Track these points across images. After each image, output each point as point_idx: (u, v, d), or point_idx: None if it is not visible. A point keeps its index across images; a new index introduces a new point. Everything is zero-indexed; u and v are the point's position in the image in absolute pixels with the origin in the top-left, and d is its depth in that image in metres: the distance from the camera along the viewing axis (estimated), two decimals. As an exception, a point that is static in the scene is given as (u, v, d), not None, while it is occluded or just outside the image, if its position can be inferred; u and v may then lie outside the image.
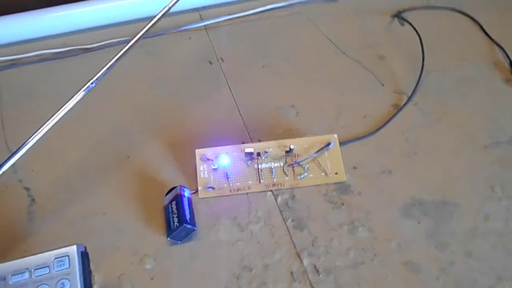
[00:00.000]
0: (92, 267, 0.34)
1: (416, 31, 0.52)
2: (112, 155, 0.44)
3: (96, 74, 0.40)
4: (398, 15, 0.56)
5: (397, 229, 0.38)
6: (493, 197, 0.40)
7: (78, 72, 0.50)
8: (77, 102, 0.38)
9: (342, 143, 0.44)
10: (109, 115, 0.48)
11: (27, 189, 0.42)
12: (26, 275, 0.29)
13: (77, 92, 0.39)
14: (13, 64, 0.53)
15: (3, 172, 0.36)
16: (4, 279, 0.29)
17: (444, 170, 0.42)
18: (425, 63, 0.50)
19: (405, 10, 0.57)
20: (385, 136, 0.45)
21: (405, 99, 0.48)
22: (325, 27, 0.56)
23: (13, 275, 0.29)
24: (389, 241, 0.38)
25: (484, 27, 0.55)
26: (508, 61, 0.51)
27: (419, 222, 0.39)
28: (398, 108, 0.47)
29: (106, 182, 0.42)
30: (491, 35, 0.54)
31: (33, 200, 0.41)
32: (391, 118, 0.46)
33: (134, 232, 0.39)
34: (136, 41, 0.42)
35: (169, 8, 0.43)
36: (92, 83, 0.39)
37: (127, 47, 0.40)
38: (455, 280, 0.35)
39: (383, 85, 0.50)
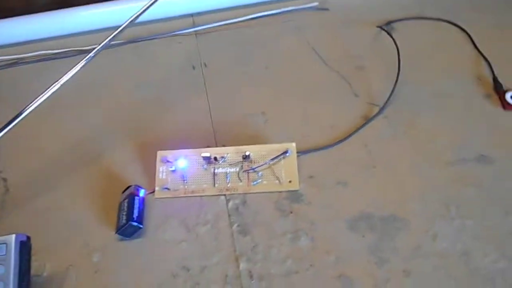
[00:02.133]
0: (43, 257, 0.37)
1: (395, 42, 0.52)
2: (85, 153, 0.47)
3: (61, 77, 0.42)
4: (384, 26, 0.55)
5: (339, 241, 0.38)
6: (446, 217, 0.39)
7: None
8: (44, 100, 0.41)
9: (302, 152, 0.44)
10: (91, 114, 0.50)
11: (4, 179, 0.46)
12: (-34, 257, 0.32)
13: (43, 93, 0.41)
14: (13, 63, 0.57)
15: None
16: None
17: (400, 185, 0.41)
18: (401, 75, 0.49)
19: (396, 20, 0.56)
20: (349, 147, 0.45)
21: (376, 111, 0.47)
22: (311, 36, 0.56)
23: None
24: (328, 253, 0.37)
25: (474, 40, 0.53)
26: (492, 76, 0.49)
27: (363, 236, 0.38)
28: (366, 120, 0.47)
29: (73, 178, 0.45)
30: (480, 48, 0.52)
31: (7, 190, 0.45)
32: (357, 130, 0.46)
33: (89, 226, 0.41)
34: (99, 49, 0.44)
35: (137, 16, 0.45)
36: (55, 85, 0.42)
37: (91, 54, 0.43)
38: (384, 298, 0.35)
39: (357, 95, 0.50)
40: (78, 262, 0.39)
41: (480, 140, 0.44)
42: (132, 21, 0.44)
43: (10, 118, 0.44)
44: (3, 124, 0.40)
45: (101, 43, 0.45)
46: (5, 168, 0.47)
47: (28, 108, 0.41)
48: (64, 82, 0.42)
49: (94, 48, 0.57)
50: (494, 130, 0.45)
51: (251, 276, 0.37)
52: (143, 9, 0.45)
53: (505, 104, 0.46)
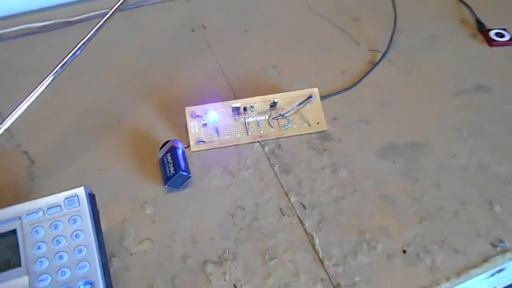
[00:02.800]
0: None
1: (389, -9, 0.56)
2: (103, 119, 0.46)
3: (80, 41, 0.42)
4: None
5: (374, 168, 0.42)
6: (460, 138, 0.44)
7: (62, 45, 0.52)
8: (62, 70, 0.40)
9: (322, 97, 0.47)
10: (98, 82, 0.50)
11: (25, 152, 0.45)
12: (40, 214, 0.32)
13: (63, 59, 0.41)
14: (-2, 39, 0.54)
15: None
16: (20, 218, 0.32)
17: (415, 116, 0.46)
18: (397, 22, 0.54)
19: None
20: (362, 89, 0.49)
21: (379, 56, 0.52)
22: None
23: (27, 214, 0.32)
24: (366, 178, 0.41)
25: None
26: (474, 18, 0.55)
27: (394, 162, 0.43)
28: (374, 64, 0.51)
29: (100, 142, 0.45)
30: (459, -6, 0.58)
31: (32, 161, 0.44)
32: (367, 73, 0.50)
33: (132, 183, 0.42)
34: (113, 12, 0.44)
35: None
36: (76, 51, 0.41)
37: (106, 17, 0.43)
38: (425, 207, 0.39)
39: (358, 44, 0.53)
40: (132, 216, 0.40)
41: (475, 73, 0.50)
42: None
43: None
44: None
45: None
46: (23, 141, 0.45)
47: (45, 83, 0.40)
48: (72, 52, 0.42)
49: (81, 19, 0.56)
50: (485, 64, 0.51)
51: (303, 206, 0.40)
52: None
53: (490, 42, 0.52)
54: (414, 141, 0.44)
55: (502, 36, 0.52)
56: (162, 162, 0.42)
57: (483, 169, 0.42)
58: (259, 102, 0.46)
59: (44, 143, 0.45)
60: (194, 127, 0.45)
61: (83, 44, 0.42)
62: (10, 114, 0.38)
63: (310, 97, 0.46)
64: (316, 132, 0.45)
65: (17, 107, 0.39)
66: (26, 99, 0.39)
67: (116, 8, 0.44)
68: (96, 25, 0.43)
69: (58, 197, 0.32)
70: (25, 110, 0.39)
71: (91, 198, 0.34)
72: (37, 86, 0.40)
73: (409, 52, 0.52)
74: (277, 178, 0.42)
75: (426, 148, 0.44)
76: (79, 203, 0.32)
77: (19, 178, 0.43)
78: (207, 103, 0.46)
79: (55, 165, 0.44)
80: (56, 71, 0.40)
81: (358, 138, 0.45)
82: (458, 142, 0.44)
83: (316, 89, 0.47)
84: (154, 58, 0.52)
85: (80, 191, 0.33)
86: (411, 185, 0.41)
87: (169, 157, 0.41)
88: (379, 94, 0.48)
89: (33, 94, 0.39)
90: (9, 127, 0.39)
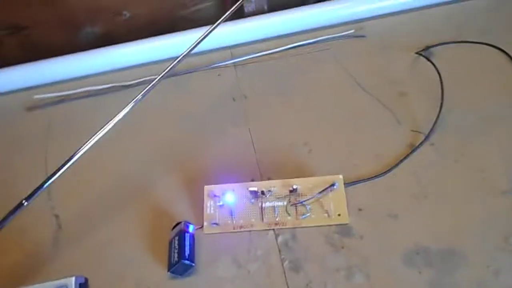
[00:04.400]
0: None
1: (436, 67, 0.51)
2: (131, 188, 0.48)
3: (119, 112, 0.44)
4: (422, 52, 0.55)
5: (395, 278, 0.37)
6: (506, 249, 0.37)
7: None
8: (105, 137, 0.42)
9: (349, 183, 0.44)
10: (135, 149, 0.51)
11: (56, 216, 0.47)
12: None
13: (99, 131, 0.43)
14: (62, 100, 0.59)
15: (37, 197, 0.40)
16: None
17: (454, 216, 0.40)
18: (445, 100, 0.49)
19: (434, 45, 0.56)
20: (396, 177, 0.44)
21: (422, 138, 0.47)
22: (349, 64, 0.56)
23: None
24: (385, 290, 0.37)
25: (516, 61, 0.52)
26: (541, 97, 0.48)
27: (420, 272, 0.37)
28: (413, 148, 0.46)
29: (121, 214, 0.46)
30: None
31: (60, 227, 0.46)
32: (404, 159, 0.45)
33: (141, 264, 0.41)
34: (160, 78, 0.45)
35: (192, 48, 0.46)
36: (111, 122, 0.43)
37: (151, 84, 0.44)
38: None
39: (400, 123, 0.49)
40: (132, 301, 0.39)
41: (534, 166, 0.42)
42: (186, 54, 0.45)
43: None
44: (58, 165, 0.41)
45: (149, 79, 0.46)
46: (57, 205, 0.48)
47: (82, 150, 0.42)
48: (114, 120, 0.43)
49: (137, 83, 0.59)
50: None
51: (307, 315, 0.36)
52: (197, 41, 0.46)
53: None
54: (449, 247, 0.38)
55: None
56: (170, 246, 0.41)
57: (532, 293, 0.35)
58: (279, 186, 0.44)
59: (75, 209, 0.47)
60: (210, 208, 0.44)
61: (128, 109, 0.43)
62: (52, 175, 0.40)
63: (333, 184, 0.43)
64: (337, 225, 0.41)
65: (59, 168, 0.41)
66: (67, 162, 0.41)
67: (164, 74, 0.45)
68: (142, 91, 0.44)
69: (49, 286, 0.33)
70: (63, 173, 0.41)
71: (82, 287, 0.33)
72: (77, 150, 0.42)
73: (456, 136, 0.46)
74: (285, 276, 0.39)
75: (462, 258, 0.38)
76: (68, 293, 0.32)
77: (45, 243, 0.45)
78: (230, 179, 0.45)
79: (79, 234, 0.45)
80: (92, 141, 0.42)
81: (383, 237, 0.40)
82: (504, 255, 0.37)
83: (340, 176, 0.43)
84: (191, 126, 0.53)
85: (70, 282, 0.33)
86: (437, 305, 0.35)
87: (176, 241, 0.41)
88: (414, 185, 0.43)
89: (73, 158, 0.41)
90: (49, 188, 0.40)
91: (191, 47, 0.48)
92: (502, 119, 0.47)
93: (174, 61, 0.46)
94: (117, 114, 0.43)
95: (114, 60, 0.61)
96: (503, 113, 0.48)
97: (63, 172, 0.41)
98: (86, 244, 0.44)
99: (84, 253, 0.43)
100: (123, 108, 0.44)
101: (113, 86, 0.59)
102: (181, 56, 0.46)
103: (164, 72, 0.46)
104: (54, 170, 0.48)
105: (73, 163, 0.41)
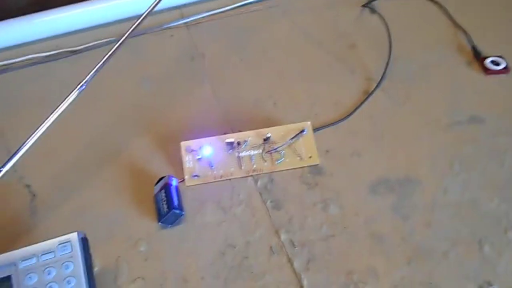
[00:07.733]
0: (91, 252, 0.39)
1: (384, 20, 0.56)
2: (103, 151, 0.48)
3: (86, 76, 0.43)
4: (367, 5, 0.59)
5: (364, 205, 0.43)
6: (452, 173, 0.44)
7: (68, 74, 0.54)
8: (69, 104, 0.42)
9: (316, 129, 0.48)
10: (99, 114, 0.51)
11: (27, 186, 0.46)
12: (34, 260, 0.33)
13: (69, 95, 0.42)
14: (4, 69, 0.56)
15: (4, 173, 0.39)
16: (15, 265, 0.33)
17: (408, 150, 0.46)
18: (392, 50, 0.54)
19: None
20: (356, 121, 0.49)
21: (374, 85, 0.52)
22: (299, 20, 0.59)
23: (22, 260, 0.33)
24: (357, 215, 0.42)
25: (451, 13, 0.58)
26: (471, 45, 0.55)
27: (384, 198, 0.43)
28: (367, 94, 0.51)
29: (99, 176, 0.46)
30: (456, 20, 0.57)
31: (34, 195, 0.45)
32: (360, 105, 0.50)
33: (128, 220, 0.43)
34: (122, 41, 0.45)
35: (153, 7, 0.46)
36: (82, 85, 0.43)
37: (114, 48, 0.44)
38: (414, 246, 0.40)
39: (353, 73, 0.54)
40: (126, 254, 0.41)
41: (469, 103, 0.50)
42: (151, 10, 0.45)
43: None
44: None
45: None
46: (26, 174, 0.47)
47: (51, 118, 0.41)
48: (70, 83, 0.43)
49: (86, 48, 0.57)
50: (479, 94, 0.51)
51: (293, 244, 0.40)
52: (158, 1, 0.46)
53: (485, 70, 0.52)
54: (406, 176, 0.45)
55: (497, 64, 0.52)
56: (157, 199, 0.43)
57: (474, 205, 0.42)
58: (252, 136, 0.47)
59: (46, 177, 0.47)
60: (189, 162, 0.46)
61: (87, 80, 0.43)
62: (17, 150, 0.39)
63: (302, 131, 0.47)
64: (309, 166, 0.46)
65: (24, 143, 0.40)
66: (32, 135, 0.40)
67: (122, 41, 0.45)
68: (101, 60, 0.43)
69: (52, 243, 0.34)
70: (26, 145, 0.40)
71: (84, 242, 0.35)
72: (42, 123, 0.41)
73: (403, 81, 0.52)
74: (269, 214, 0.43)
75: (418, 183, 0.44)
76: (71, 248, 0.33)
77: (21, 212, 0.44)
78: (203, 137, 0.47)
79: (56, 200, 0.45)
80: (62, 107, 0.41)
81: (350, 173, 0.45)
82: (450, 177, 0.44)
83: (308, 123, 0.47)
84: (152, 89, 0.53)
85: (73, 237, 0.34)
86: (401, 223, 0.41)
87: (163, 194, 0.42)
88: (371, 126, 0.49)
89: (39, 130, 0.40)
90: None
91: (152, 6, 0.47)
92: (438, 66, 0.54)
93: (135, 22, 0.45)
94: (79, 83, 0.42)
95: (59, 24, 0.58)
96: (438, 61, 0.54)
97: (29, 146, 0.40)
98: (67, 209, 0.44)
99: (67, 218, 0.43)
100: (86, 77, 0.43)
101: (60, 52, 0.57)
102: (143, 16, 0.46)
103: (124, 37, 0.45)
104: (13, 142, 0.47)
105: (39, 137, 0.40)
